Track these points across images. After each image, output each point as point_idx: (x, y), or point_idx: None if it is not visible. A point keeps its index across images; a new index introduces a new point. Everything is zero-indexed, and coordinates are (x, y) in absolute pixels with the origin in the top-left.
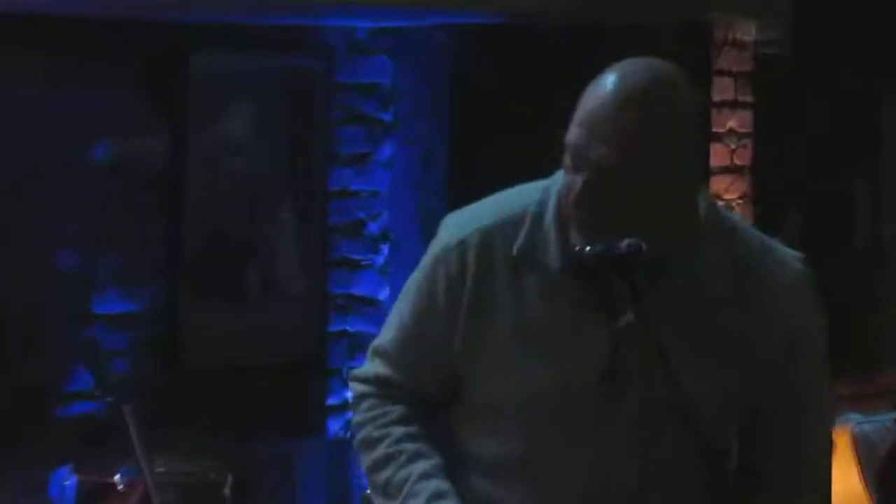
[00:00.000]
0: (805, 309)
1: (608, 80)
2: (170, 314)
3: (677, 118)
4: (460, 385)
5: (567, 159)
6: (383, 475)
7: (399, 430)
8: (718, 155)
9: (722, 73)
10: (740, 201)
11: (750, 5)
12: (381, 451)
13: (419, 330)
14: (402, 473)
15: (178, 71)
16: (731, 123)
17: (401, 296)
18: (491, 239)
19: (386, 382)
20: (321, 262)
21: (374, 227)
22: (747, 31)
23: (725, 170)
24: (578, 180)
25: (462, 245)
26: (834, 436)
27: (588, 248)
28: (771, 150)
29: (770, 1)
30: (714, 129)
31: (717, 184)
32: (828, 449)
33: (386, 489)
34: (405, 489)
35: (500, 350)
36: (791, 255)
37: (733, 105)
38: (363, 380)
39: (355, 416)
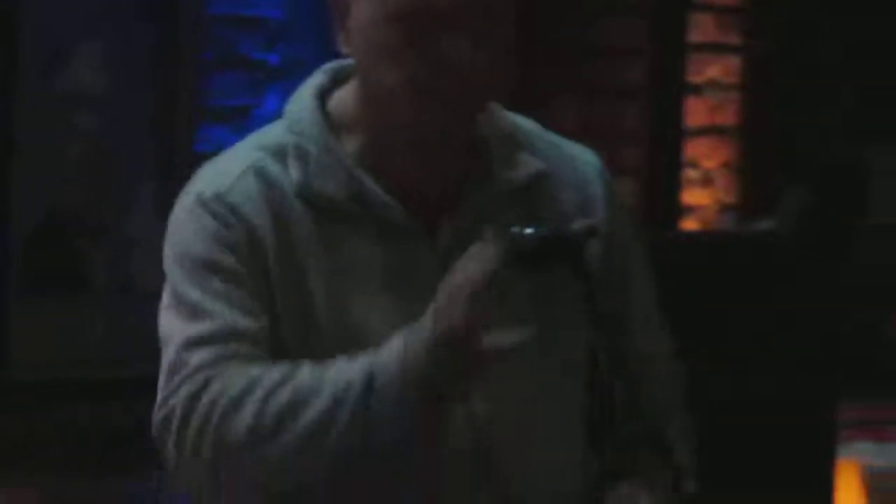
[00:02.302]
0: (608, 201)
1: None
2: None
3: None
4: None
5: (383, 47)
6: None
7: (305, 369)
8: (695, 111)
9: (701, 7)
10: (723, 170)
11: None
12: (297, 382)
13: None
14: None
15: None
16: (713, 71)
17: (172, 292)
18: (266, 171)
19: (235, 335)
20: None
21: None
22: None
23: (704, 131)
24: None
25: (241, 182)
26: (841, 470)
27: (528, 230)
28: (763, 105)
29: None
30: (690, 79)
31: (694, 148)
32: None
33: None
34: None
35: (323, 305)
36: (582, 146)
37: (715, 48)
38: (197, 342)
39: (215, 399)
